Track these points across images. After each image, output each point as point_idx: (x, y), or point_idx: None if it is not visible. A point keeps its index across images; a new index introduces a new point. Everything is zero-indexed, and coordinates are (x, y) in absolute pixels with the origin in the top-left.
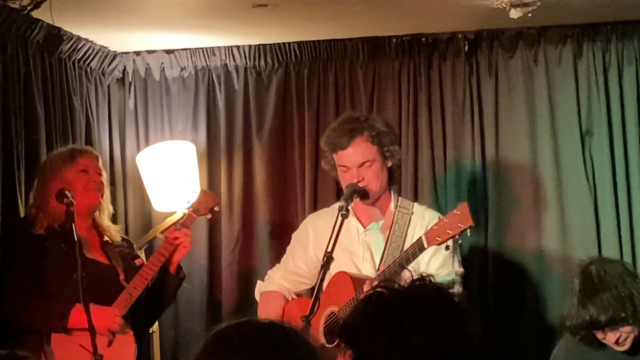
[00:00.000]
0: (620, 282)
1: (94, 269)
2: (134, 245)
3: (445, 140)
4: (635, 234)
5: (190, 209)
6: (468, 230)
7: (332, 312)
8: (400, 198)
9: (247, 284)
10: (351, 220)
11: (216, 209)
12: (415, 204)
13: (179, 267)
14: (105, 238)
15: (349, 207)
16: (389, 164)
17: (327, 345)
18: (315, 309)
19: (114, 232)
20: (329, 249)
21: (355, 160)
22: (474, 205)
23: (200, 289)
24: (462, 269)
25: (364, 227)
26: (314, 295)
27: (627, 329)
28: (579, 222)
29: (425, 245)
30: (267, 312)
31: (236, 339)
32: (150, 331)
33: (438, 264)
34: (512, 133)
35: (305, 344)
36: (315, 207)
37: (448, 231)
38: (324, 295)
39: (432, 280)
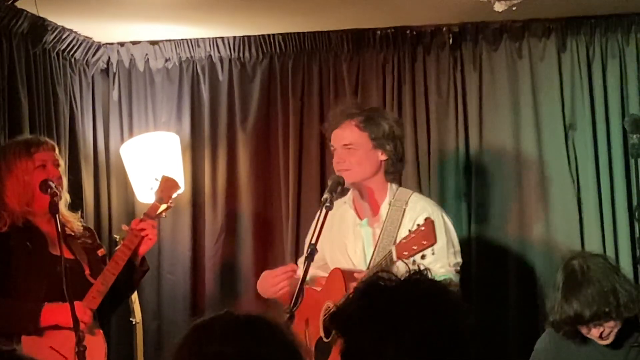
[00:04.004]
0: (603, 277)
1: (60, 265)
2: (95, 234)
3: (429, 133)
4: (617, 228)
5: (154, 198)
6: (432, 248)
7: (329, 307)
8: (399, 190)
9: (230, 275)
10: (349, 212)
11: (178, 193)
12: (414, 195)
13: (143, 259)
14: (68, 230)
15: (334, 200)
16: (382, 156)
17: (324, 340)
18: (299, 302)
19: (74, 222)
20: (313, 241)
21: (340, 140)
22: (457, 198)
23: (184, 280)
24: (457, 259)
25: (360, 219)
26: (297, 287)
27: (610, 323)
28: (561, 215)
29: (394, 259)
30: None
31: (216, 329)
32: (133, 322)
33: (430, 259)
34: (496, 126)
35: (284, 334)
36: (299, 199)
37: (413, 247)
38: (323, 290)
39: (430, 274)
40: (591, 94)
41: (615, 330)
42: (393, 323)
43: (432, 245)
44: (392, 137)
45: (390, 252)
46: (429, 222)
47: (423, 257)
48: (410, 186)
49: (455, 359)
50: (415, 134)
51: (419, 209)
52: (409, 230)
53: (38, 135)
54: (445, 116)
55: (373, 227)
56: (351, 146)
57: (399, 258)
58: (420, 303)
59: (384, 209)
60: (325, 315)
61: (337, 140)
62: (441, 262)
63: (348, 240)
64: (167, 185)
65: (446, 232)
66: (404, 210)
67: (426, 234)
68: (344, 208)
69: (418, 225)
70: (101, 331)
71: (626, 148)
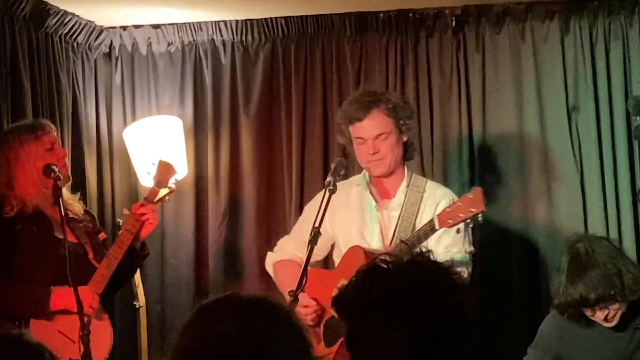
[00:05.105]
0: (608, 260)
1: (64, 249)
2: (95, 218)
3: (432, 116)
4: (621, 210)
5: (153, 183)
6: (480, 215)
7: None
8: (414, 176)
9: (233, 259)
10: (365, 194)
11: (176, 178)
12: (429, 182)
13: (143, 243)
14: (70, 214)
15: (337, 183)
16: (404, 138)
17: (336, 317)
18: (303, 284)
19: (75, 204)
20: (317, 224)
21: (371, 132)
22: (460, 180)
23: (187, 264)
24: (472, 248)
25: (376, 202)
26: (301, 270)
27: (615, 306)
28: (565, 198)
29: (437, 227)
30: (285, 278)
31: (221, 310)
32: (137, 306)
33: (447, 243)
34: (499, 109)
35: (289, 316)
36: (302, 182)
37: (460, 214)
38: (338, 268)
39: (433, 256)
40: (594, 77)
41: (620, 312)
42: (395, 305)
43: (481, 211)
44: (411, 117)
45: (431, 221)
46: (478, 190)
47: (458, 231)
48: (413, 169)
49: (457, 341)
50: (418, 116)
51: (439, 194)
52: (452, 200)
53: (39, 119)
54: (448, 99)
55: (383, 210)
56: (383, 135)
57: (442, 226)
58: (423, 285)
59: (401, 192)
60: None
61: (367, 132)
62: (457, 247)
63: (367, 222)
64: (164, 169)
65: (465, 223)
66: (422, 195)
67: (474, 202)
68: (358, 190)
69: (465, 195)
70: (107, 315)
71: (629, 130)
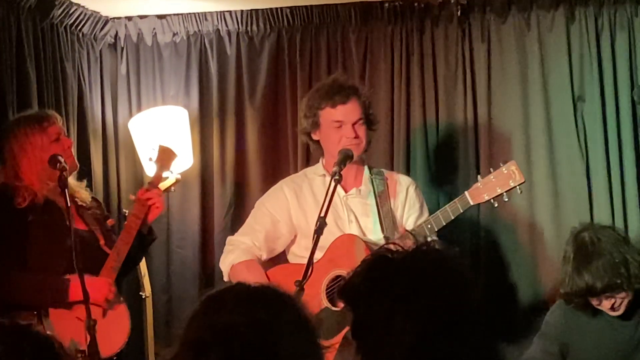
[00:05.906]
0: (614, 249)
1: (76, 237)
2: (102, 205)
3: (437, 106)
4: (627, 200)
5: (156, 168)
6: (519, 188)
7: (338, 276)
8: (368, 165)
9: None
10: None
11: (175, 161)
12: (382, 169)
13: (150, 228)
14: (79, 202)
15: (341, 173)
16: (370, 131)
17: (333, 308)
18: (309, 274)
19: (82, 191)
20: (322, 214)
21: (353, 115)
22: (465, 169)
23: (193, 254)
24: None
25: (345, 192)
26: (308, 259)
27: (622, 294)
28: (571, 188)
29: (471, 202)
30: (252, 278)
31: (228, 300)
32: (143, 296)
33: (415, 217)
34: (504, 98)
35: (295, 305)
36: None
37: (497, 189)
38: (324, 259)
39: (437, 246)
40: (600, 66)
41: (626, 301)
42: (401, 294)
43: (521, 184)
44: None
45: (462, 198)
46: (513, 163)
47: (495, 205)
48: (418, 159)
49: (463, 329)
50: (423, 106)
51: (404, 181)
52: (416, 187)
53: (44, 109)
54: (453, 89)
55: (353, 199)
56: (361, 120)
57: (476, 201)
58: (428, 274)
59: (367, 180)
60: (332, 284)
61: (348, 116)
62: (424, 219)
63: (339, 213)
64: (165, 154)
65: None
66: (386, 182)
67: (511, 175)
68: (321, 180)
69: (498, 170)
70: (124, 304)
71: (635, 119)
